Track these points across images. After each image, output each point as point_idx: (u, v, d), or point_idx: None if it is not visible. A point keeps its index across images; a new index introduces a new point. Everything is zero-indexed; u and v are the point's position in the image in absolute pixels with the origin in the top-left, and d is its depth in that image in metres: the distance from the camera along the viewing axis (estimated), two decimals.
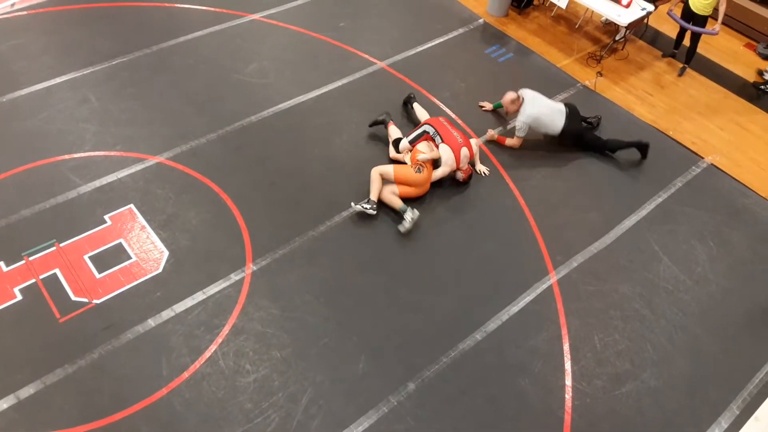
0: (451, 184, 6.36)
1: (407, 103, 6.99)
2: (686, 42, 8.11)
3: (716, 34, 7.72)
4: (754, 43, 8.95)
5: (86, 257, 5.36)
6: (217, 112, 6.78)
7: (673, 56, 8.44)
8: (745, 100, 7.99)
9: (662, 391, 5.05)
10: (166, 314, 5.07)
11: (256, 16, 8.11)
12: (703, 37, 8.06)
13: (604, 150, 6.87)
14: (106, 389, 4.61)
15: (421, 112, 6.77)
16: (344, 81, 7.37)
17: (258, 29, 7.93)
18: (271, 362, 4.88)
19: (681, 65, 8.24)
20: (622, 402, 4.96)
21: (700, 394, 5.08)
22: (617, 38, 8.39)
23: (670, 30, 8.73)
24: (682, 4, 7.93)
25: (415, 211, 5.79)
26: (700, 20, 7.73)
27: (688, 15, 7.80)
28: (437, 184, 6.27)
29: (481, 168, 6.49)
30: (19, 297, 5.05)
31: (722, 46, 8.80)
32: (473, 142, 6.46)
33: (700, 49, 8.28)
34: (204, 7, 8.14)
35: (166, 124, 6.57)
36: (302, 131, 6.72)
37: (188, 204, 5.86)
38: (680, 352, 5.32)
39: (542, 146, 6.94)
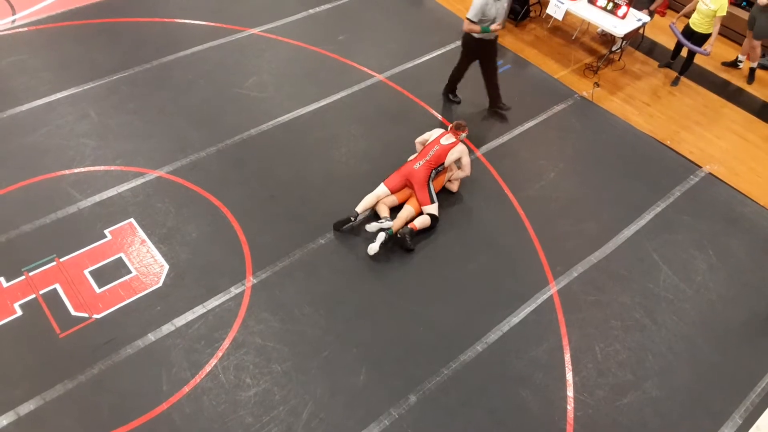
0: (450, 196, 6.37)
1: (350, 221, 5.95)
2: (684, 53, 8.16)
3: (707, 54, 7.78)
4: None
5: (86, 272, 5.36)
6: (216, 125, 6.81)
7: (669, 66, 8.49)
8: (742, 110, 8.03)
9: (664, 401, 5.04)
10: (167, 328, 5.06)
11: (254, 31, 8.17)
12: None
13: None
14: (106, 404, 4.59)
15: (373, 200, 5.98)
16: (343, 94, 7.41)
17: (257, 43, 7.99)
18: (271, 376, 4.87)
19: (676, 75, 8.29)
20: (624, 413, 4.94)
21: (702, 404, 5.06)
22: (614, 49, 8.44)
23: (667, 41, 8.79)
24: (686, 20, 7.99)
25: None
26: (699, 38, 7.79)
27: (688, 32, 7.88)
28: (439, 197, 6.30)
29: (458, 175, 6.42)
30: (20, 312, 5.04)
31: (719, 56, 8.85)
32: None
33: (697, 59, 8.32)
34: (203, 22, 8.20)
35: (165, 139, 6.60)
36: (301, 144, 6.74)
37: (188, 218, 5.87)
38: (681, 361, 5.31)
39: (541, 157, 6.96)
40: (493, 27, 6.63)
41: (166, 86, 7.22)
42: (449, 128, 6.33)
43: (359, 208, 5.90)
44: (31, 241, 5.53)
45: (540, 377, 5.08)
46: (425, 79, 7.78)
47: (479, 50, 6.97)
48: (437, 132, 6.36)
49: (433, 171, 6.07)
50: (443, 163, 6.11)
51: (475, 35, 6.79)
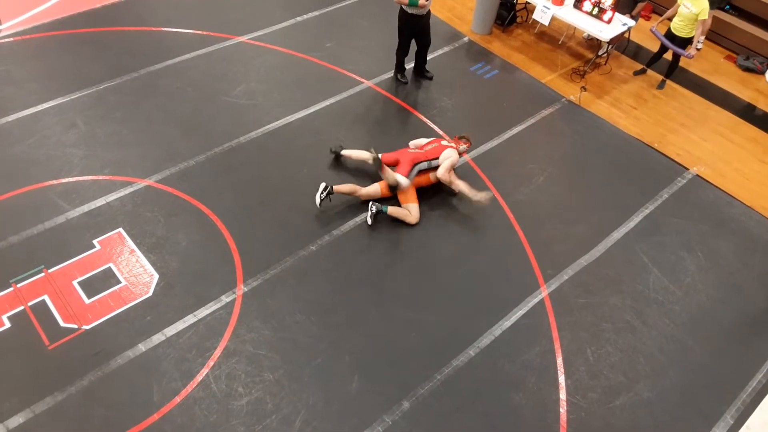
0: (441, 201, 6.39)
1: (337, 154, 6.63)
2: (669, 56, 8.23)
3: (690, 57, 7.83)
4: (734, 55, 9.12)
5: (75, 283, 5.32)
6: (205, 133, 6.79)
7: (644, 72, 8.53)
8: (727, 111, 8.12)
9: (656, 403, 5.06)
10: (157, 338, 5.03)
11: (243, 39, 8.16)
12: None
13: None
14: (96, 416, 4.55)
15: (359, 154, 6.47)
16: (331, 100, 7.42)
17: (245, 51, 7.98)
18: (263, 384, 4.85)
19: (661, 78, 8.36)
20: (617, 415, 4.96)
21: (693, 405, 5.09)
22: (600, 53, 8.51)
23: (652, 44, 8.87)
24: (669, 22, 8.05)
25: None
26: (680, 42, 7.85)
27: (669, 36, 7.95)
28: (429, 202, 6.31)
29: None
30: (8, 324, 4.99)
31: (703, 59, 8.95)
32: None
33: (682, 61, 8.41)
34: (191, 31, 8.19)
35: (154, 147, 6.57)
36: (291, 151, 6.74)
37: (178, 226, 5.84)
38: (672, 362, 5.34)
39: (530, 162, 7.00)
40: (420, 2, 6.93)
41: (154, 95, 7.20)
42: (455, 137, 6.57)
43: (344, 149, 6.47)
44: (19, 253, 5.48)
45: (533, 381, 5.09)
46: (413, 85, 7.81)
47: (414, 25, 7.31)
48: (437, 135, 6.58)
49: (425, 163, 6.21)
50: (437, 158, 6.23)
51: (407, 9, 7.13)
